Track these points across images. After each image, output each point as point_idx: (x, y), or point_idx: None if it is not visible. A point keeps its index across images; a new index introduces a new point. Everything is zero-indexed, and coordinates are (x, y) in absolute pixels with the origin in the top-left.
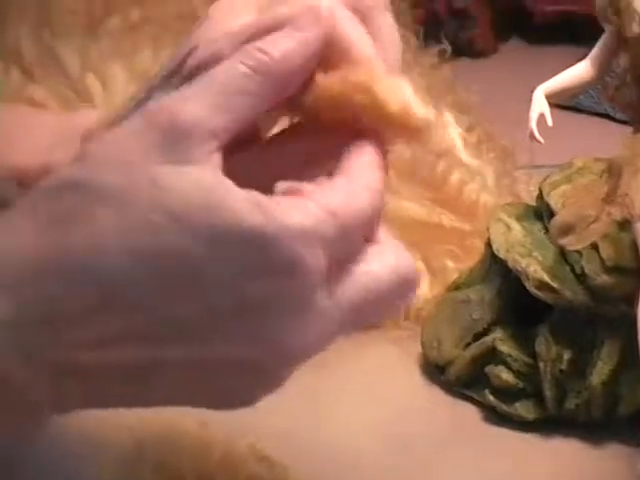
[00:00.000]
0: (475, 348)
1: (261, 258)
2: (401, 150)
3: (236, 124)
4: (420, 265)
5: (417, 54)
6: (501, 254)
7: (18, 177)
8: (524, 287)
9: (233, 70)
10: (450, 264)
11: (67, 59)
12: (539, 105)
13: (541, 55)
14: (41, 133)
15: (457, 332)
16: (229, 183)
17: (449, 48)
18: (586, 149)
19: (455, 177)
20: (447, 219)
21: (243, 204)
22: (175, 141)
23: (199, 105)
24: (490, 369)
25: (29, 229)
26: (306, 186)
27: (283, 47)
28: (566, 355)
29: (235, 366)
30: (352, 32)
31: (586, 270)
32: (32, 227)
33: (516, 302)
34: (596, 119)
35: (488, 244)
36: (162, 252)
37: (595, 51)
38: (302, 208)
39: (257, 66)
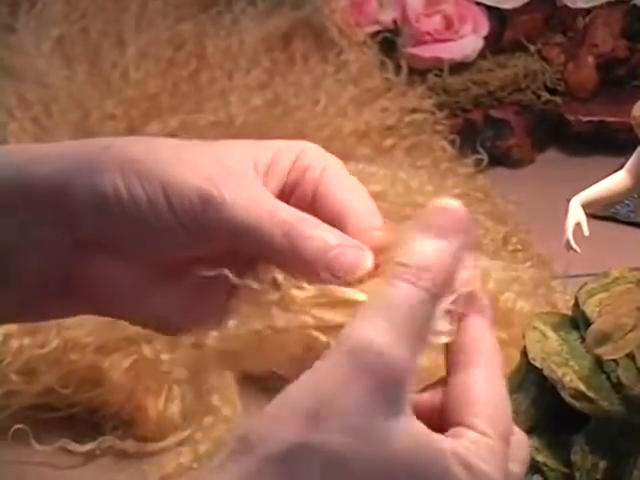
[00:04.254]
0: None
1: None
2: None
3: (419, 359)
4: None
5: (453, 163)
6: (537, 363)
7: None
8: (560, 396)
9: (412, 300)
10: None
11: None
12: (575, 215)
13: (577, 165)
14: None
15: None
16: (440, 441)
17: (485, 157)
18: (622, 259)
19: (491, 285)
20: None
21: (458, 468)
22: (394, 391)
23: (404, 348)
24: (526, 478)
25: None
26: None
27: (443, 268)
28: (602, 464)
29: None
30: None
31: (622, 380)
32: None
33: (552, 411)
34: (632, 229)
35: (524, 353)
36: None
37: (632, 161)
38: (493, 455)
39: (429, 290)
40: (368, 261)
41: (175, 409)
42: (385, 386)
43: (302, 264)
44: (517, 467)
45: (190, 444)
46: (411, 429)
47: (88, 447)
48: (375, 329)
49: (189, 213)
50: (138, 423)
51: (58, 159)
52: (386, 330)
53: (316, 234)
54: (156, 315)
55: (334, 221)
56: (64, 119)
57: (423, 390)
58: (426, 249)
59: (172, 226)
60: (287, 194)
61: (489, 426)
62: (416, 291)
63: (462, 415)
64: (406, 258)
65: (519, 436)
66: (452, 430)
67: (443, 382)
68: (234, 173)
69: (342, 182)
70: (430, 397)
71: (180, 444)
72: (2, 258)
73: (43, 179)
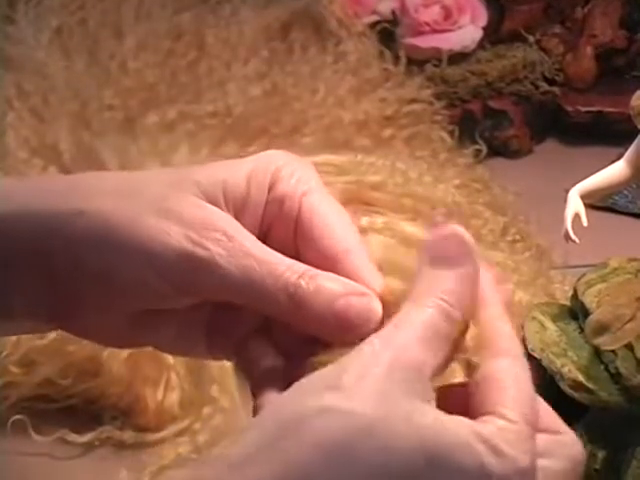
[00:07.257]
0: None
1: None
2: None
3: (441, 365)
4: (454, 366)
5: (452, 154)
6: (536, 353)
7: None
8: (559, 386)
9: (432, 316)
10: None
11: (106, 157)
12: (574, 205)
13: (576, 156)
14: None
15: None
16: (462, 421)
17: (484, 148)
18: (621, 249)
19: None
20: None
21: (480, 447)
22: (416, 377)
23: (421, 347)
24: None
25: (279, 456)
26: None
27: (459, 291)
28: (600, 454)
29: None
30: None
31: (621, 370)
32: (285, 454)
33: (550, 401)
34: (631, 219)
35: (522, 343)
36: None
37: (630, 151)
38: (522, 443)
39: (447, 312)
40: (378, 310)
41: (174, 400)
42: (408, 372)
43: (309, 320)
44: (557, 463)
45: (189, 434)
46: (435, 411)
47: (87, 438)
48: (390, 335)
49: (178, 277)
50: (137, 414)
51: (36, 220)
52: (401, 337)
53: (322, 287)
54: (147, 344)
55: (325, 260)
56: (62, 109)
57: (443, 389)
58: (437, 281)
59: (159, 289)
60: (265, 229)
61: (516, 413)
62: (429, 311)
63: (490, 405)
64: (417, 293)
65: (568, 435)
66: (480, 419)
67: (462, 384)
68: (216, 222)
69: (325, 216)
70: (453, 395)
71: (179, 434)
72: None
73: (22, 240)
